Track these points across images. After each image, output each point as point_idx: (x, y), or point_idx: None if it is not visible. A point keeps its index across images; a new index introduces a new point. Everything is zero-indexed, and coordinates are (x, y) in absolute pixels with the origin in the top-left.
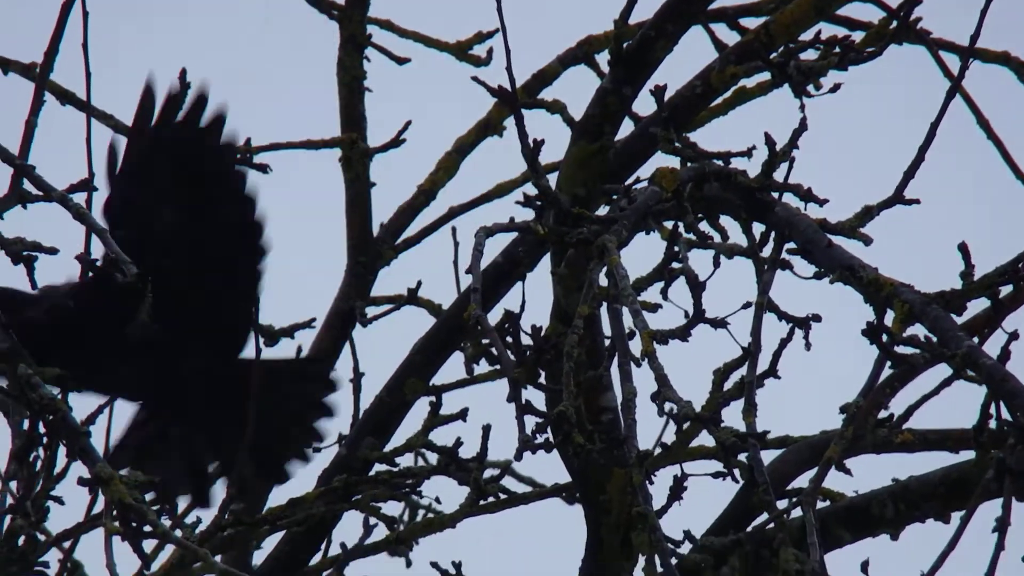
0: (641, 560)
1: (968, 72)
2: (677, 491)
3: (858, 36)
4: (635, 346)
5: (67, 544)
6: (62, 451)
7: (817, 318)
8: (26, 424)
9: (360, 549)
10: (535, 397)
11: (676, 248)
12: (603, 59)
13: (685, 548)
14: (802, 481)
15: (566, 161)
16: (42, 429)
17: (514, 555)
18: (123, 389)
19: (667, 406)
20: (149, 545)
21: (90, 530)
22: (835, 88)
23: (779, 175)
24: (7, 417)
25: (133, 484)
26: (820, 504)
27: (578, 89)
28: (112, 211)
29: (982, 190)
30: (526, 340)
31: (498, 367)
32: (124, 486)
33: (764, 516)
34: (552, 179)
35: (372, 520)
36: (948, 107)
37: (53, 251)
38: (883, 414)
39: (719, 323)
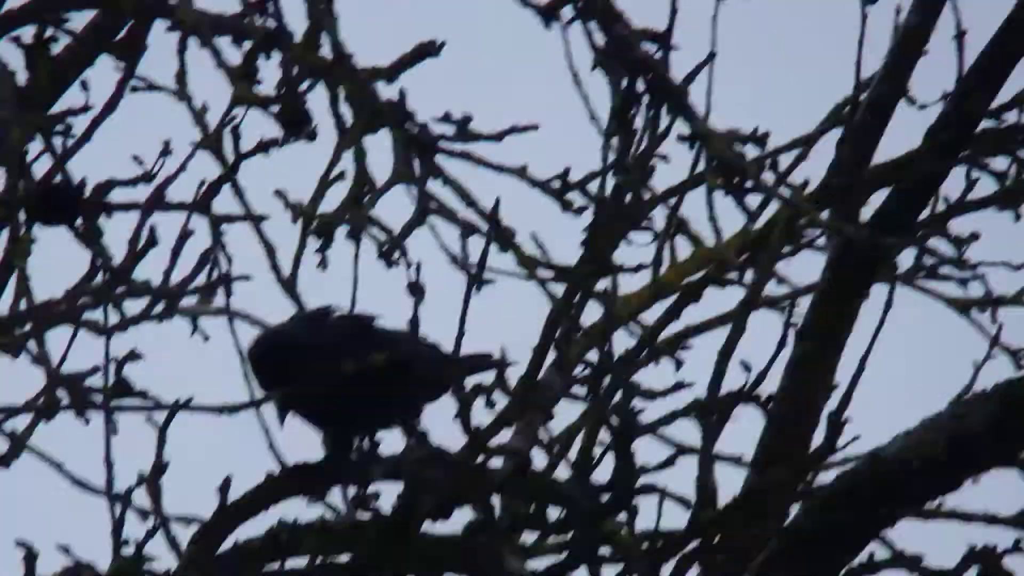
0: None
1: None
2: None
3: None
4: None
5: (672, 201)
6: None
7: None
8: (623, 83)
9: (964, 205)
10: None
11: None
12: None
13: None
14: None
15: None
16: (640, 87)
17: None
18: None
19: None
20: (752, 201)
21: (693, 187)
22: None
23: None
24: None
25: (733, 140)
26: None
27: None
28: None
29: None
30: None
31: None
32: (723, 143)
33: None
34: None
35: (976, 175)
36: None
37: None
38: None
39: None
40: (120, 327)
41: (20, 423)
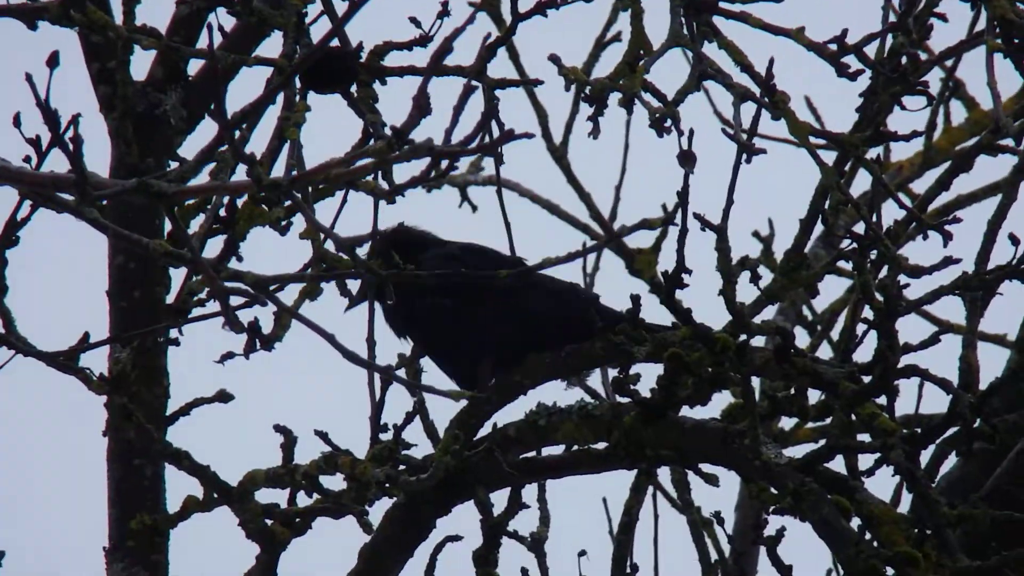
0: None
1: None
2: None
3: None
4: None
5: (948, 63)
6: None
7: None
8: None
9: None
10: None
11: None
12: None
13: None
14: None
15: None
16: None
17: None
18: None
19: None
20: None
21: (971, 49)
22: None
23: None
24: None
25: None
26: None
27: None
28: None
29: None
30: None
31: None
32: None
33: None
34: None
35: None
36: None
37: None
38: None
39: None
40: (394, 191)
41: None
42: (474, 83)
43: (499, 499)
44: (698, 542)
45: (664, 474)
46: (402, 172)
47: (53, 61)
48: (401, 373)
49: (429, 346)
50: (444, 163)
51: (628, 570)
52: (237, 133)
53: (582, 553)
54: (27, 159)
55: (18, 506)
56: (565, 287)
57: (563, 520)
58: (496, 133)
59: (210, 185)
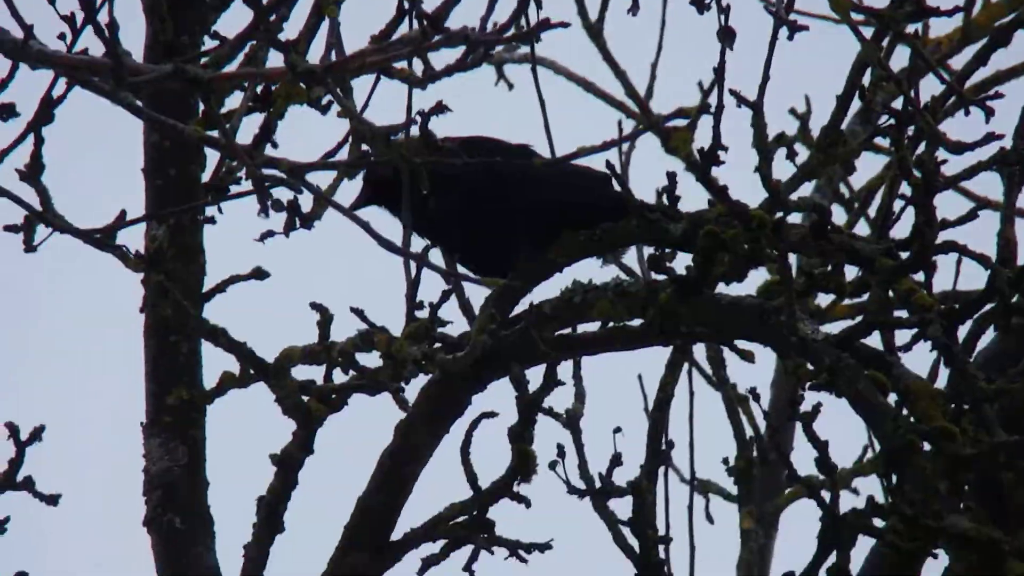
0: None
1: None
2: None
3: None
4: None
5: None
6: None
7: None
8: None
9: None
10: None
11: None
12: None
13: None
14: None
15: None
16: None
17: None
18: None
19: None
20: None
21: None
22: None
23: None
24: None
25: None
26: None
27: None
28: None
29: None
30: None
31: None
32: None
33: None
34: None
35: None
36: None
37: None
38: None
39: None
40: (430, 79)
41: (323, 180)
42: None
43: (534, 376)
44: (733, 418)
45: (700, 351)
46: (438, 57)
47: None
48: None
49: (459, 245)
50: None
51: (663, 447)
52: (272, 16)
53: (617, 430)
54: (61, 36)
55: (56, 384)
56: (596, 175)
57: (598, 397)
58: (534, 16)
59: (246, 71)
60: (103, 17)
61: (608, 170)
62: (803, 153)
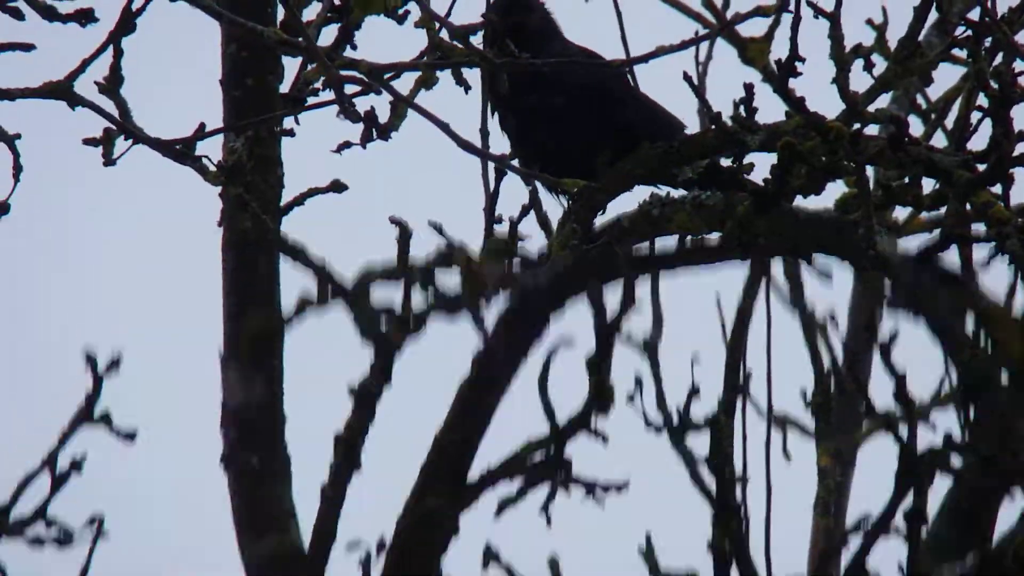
0: None
1: None
2: None
3: None
4: None
5: None
6: None
7: None
8: None
9: None
10: None
11: None
12: None
13: None
14: None
15: None
16: None
17: None
18: None
19: None
20: None
21: None
22: None
23: None
24: None
25: None
26: None
27: None
28: None
29: None
30: None
31: None
32: None
33: None
34: None
35: None
36: None
37: None
38: None
39: None
40: None
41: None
42: None
43: (610, 296)
44: (811, 345)
45: (777, 272)
46: None
47: None
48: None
49: (541, 146)
50: None
51: (741, 379)
52: None
53: (695, 360)
54: None
55: (135, 302)
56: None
57: (675, 322)
58: None
59: None
60: None
61: (685, 81)
62: (880, 64)
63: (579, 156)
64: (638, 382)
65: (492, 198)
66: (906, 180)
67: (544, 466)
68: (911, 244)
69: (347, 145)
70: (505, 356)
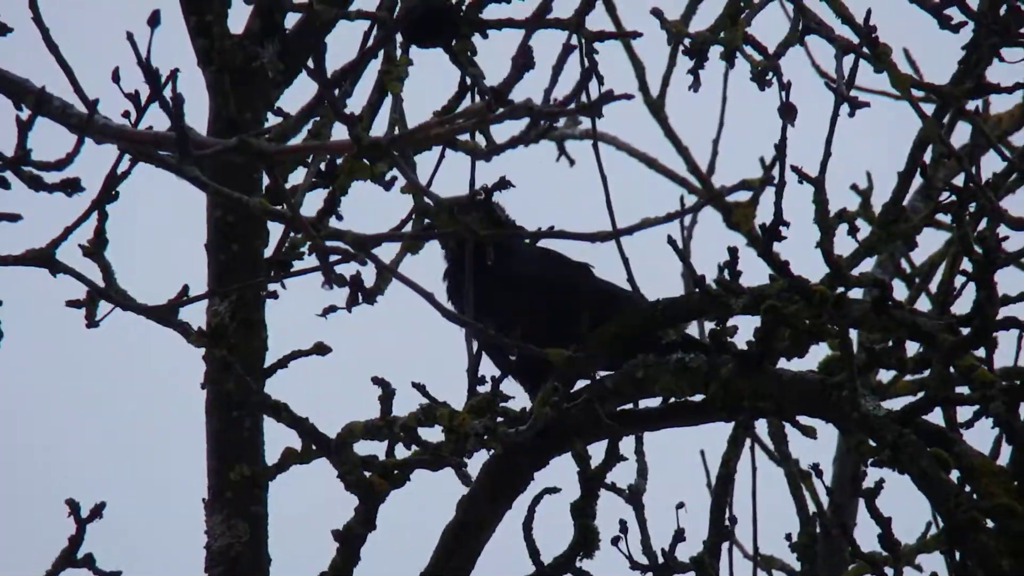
0: None
1: None
2: None
3: None
4: None
5: None
6: None
7: None
8: None
9: None
10: None
11: None
12: None
13: None
14: None
15: None
16: None
17: None
18: None
19: None
20: None
21: None
22: None
23: None
24: None
25: None
26: None
27: None
28: None
29: None
30: None
31: None
32: None
33: None
34: None
35: None
36: None
37: None
38: None
39: None
40: (493, 151)
41: (388, 252)
42: (572, 41)
43: (596, 451)
44: (796, 494)
45: (762, 427)
46: (501, 130)
47: (154, 20)
48: None
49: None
50: (544, 123)
51: (727, 522)
52: (337, 91)
53: (680, 505)
54: (126, 114)
55: (118, 458)
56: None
57: (661, 473)
58: (595, 91)
59: (310, 144)
60: (167, 94)
61: (670, 245)
62: (865, 229)
63: (564, 320)
64: (623, 526)
65: (475, 359)
66: (890, 343)
67: None
68: (895, 405)
69: (332, 309)
70: (489, 503)
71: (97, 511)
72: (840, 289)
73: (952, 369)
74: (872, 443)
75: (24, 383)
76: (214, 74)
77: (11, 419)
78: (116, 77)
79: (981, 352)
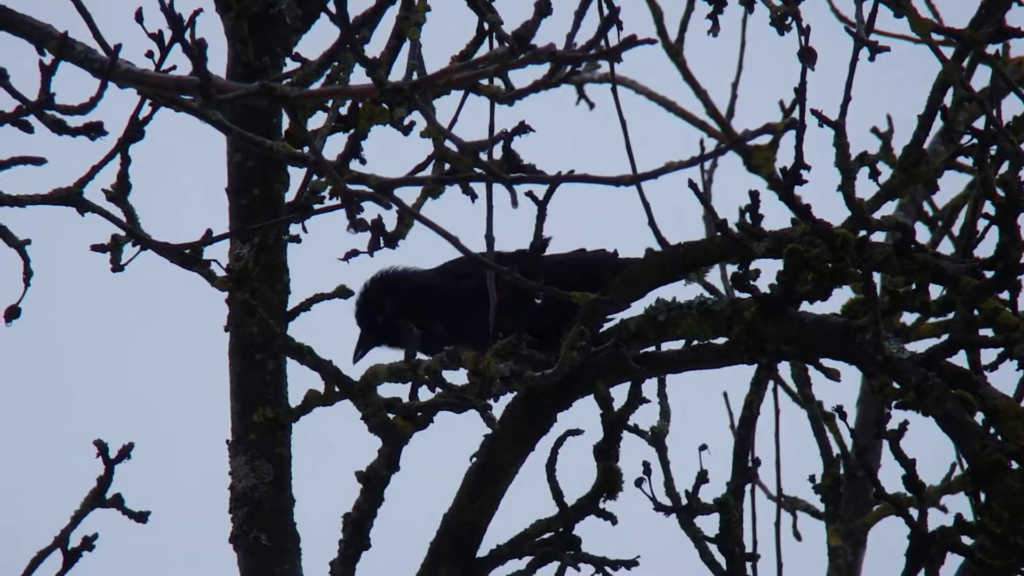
0: None
1: None
2: None
3: None
4: None
5: None
6: None
7: None
8: None
9: None
10: None
11: None
12: None
13: None
14: None
15: None
16: None
17: None
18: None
19: None
20: None
21: None
22: None
23: None
24: None
25: None
26: None
27: None
28: None
29: None
30: None
31: None
32: None
33: None
34: None
35: None
36: None
37: None
38: None
39: None
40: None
41: (409, 196)
42: None
43: (619, 394)
44: (820, 436)
45: (785, 369)
46: (519, 75)
47: None
48: None
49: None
50: (565, 68)
51: (750, 464)
52: (357, 36)
53: (703, 447)
54: (149, 54)
55: (143, 402)
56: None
57: (684, 415)
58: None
59: (332, 89)
60: (189, 38)
61: (691, 189)
62: (886, 172)
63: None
64: (646, 468)
65: (496, 309)
66: (913, 287)
67: (553, 544)
68: (919, 348)
69: (355, 253)
70: (512, 445)
71: (125, 451)
72: (862, 232)
73: (976, 312)
74: (896, 385)
75: (51, 324)
76: (232, 20)
77: (38, 359)
78: (139, 17)
79: (1005, 295)
